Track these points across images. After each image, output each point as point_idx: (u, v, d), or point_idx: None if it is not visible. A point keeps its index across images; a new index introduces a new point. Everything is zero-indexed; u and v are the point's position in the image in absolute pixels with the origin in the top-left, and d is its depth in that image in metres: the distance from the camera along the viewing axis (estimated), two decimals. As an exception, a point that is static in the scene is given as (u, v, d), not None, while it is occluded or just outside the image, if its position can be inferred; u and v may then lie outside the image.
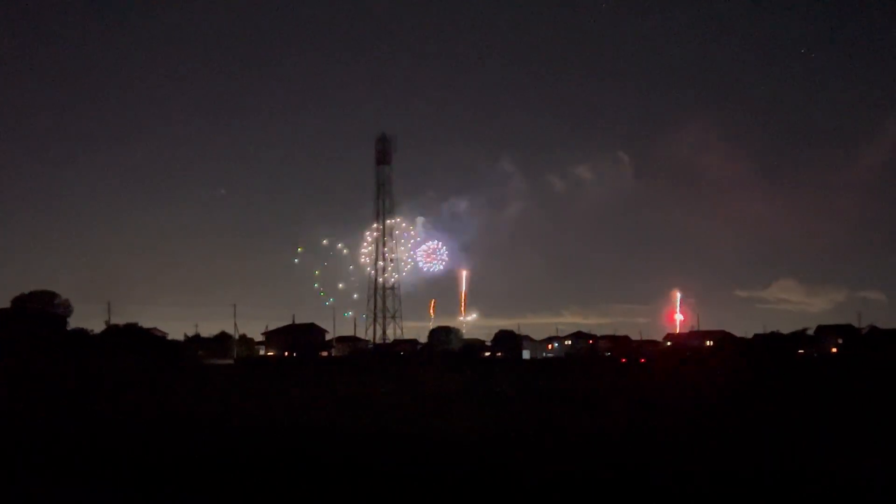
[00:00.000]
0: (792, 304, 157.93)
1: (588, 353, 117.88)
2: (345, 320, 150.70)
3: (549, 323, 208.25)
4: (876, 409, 26.91)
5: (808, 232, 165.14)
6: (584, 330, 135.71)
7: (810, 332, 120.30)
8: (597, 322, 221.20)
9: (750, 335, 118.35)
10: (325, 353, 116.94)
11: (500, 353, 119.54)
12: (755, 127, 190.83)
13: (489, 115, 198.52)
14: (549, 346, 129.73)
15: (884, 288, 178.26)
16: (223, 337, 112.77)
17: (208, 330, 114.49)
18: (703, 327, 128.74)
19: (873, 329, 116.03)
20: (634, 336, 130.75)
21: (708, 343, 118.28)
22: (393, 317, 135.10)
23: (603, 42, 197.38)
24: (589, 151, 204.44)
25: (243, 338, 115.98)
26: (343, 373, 61.92)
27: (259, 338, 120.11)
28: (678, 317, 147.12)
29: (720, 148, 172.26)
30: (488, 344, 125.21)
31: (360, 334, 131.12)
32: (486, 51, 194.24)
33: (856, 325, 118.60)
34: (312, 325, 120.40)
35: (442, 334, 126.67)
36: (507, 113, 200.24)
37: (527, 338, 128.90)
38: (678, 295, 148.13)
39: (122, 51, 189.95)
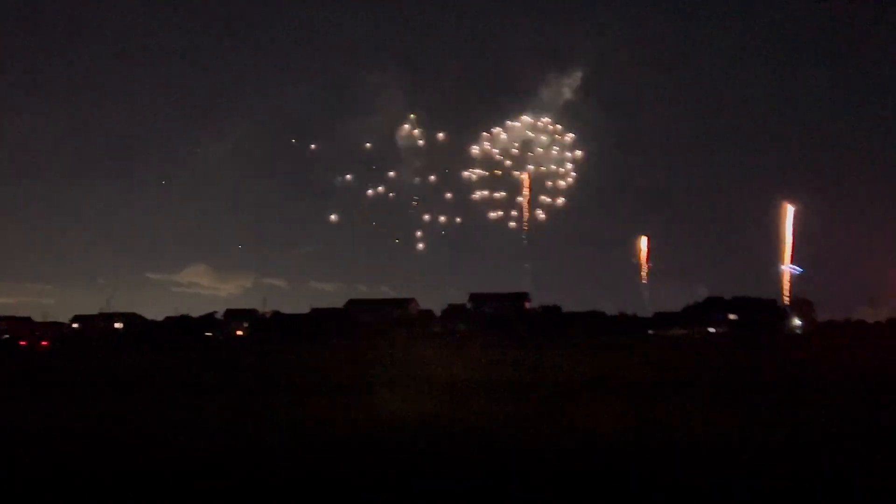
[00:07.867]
0: (203, 289, 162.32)
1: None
2: None
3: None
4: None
5: (218, 219, 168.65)
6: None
7: (219, 315, 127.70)
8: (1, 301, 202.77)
9: (161, 318, 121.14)
10: None
11: None
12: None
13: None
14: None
15: (285, 275, 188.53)
16: None
17: None
18: (115, 309, 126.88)
19: (276, 313, 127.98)
20: (38, 318, 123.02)
21: (117, 325, 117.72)
22: None
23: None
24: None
25: None
26: None
27: None
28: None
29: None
30: None
31: None
32: None
33: (260, 309, 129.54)
34: None
35: None
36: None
37: None
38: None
39: None
